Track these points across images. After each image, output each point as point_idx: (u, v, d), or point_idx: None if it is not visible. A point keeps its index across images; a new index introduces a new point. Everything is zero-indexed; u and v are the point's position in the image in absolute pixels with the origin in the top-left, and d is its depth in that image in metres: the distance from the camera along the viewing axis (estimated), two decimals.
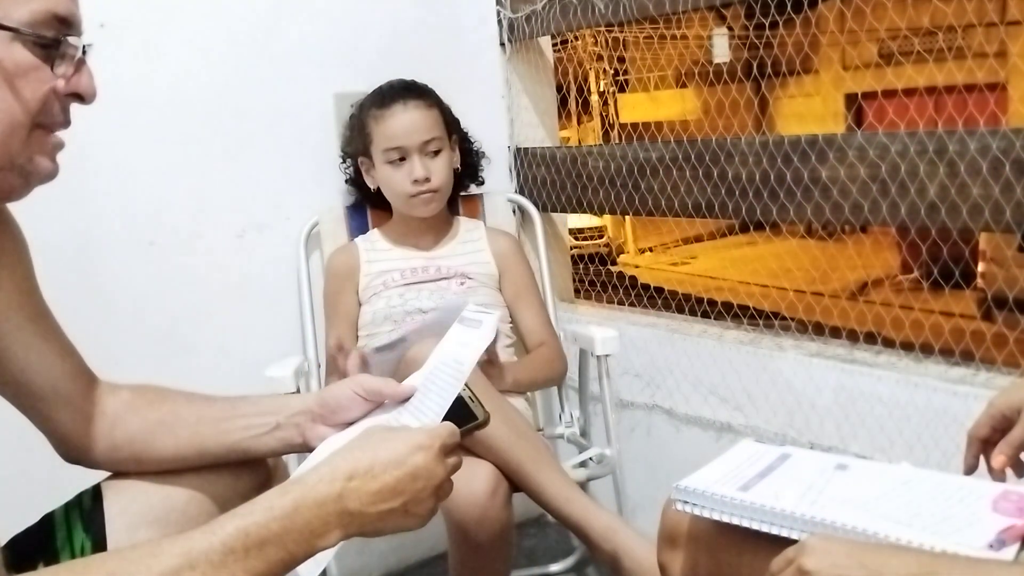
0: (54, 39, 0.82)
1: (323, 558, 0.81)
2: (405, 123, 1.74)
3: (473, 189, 2.01)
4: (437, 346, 1.03)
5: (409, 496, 0.81)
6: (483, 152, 1.97)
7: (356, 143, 1.83)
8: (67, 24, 0.83)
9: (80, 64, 0.85)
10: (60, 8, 0.82)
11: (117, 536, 0.97)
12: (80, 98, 0.86)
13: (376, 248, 1.85)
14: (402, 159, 1.74)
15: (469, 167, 1.93)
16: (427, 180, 1.74)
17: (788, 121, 9.69)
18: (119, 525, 0.98)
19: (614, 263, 9.73)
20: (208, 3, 1.84)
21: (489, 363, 1.59)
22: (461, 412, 0.92)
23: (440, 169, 1.76)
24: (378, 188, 1.82)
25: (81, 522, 0.99)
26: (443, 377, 0.96)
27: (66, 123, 0.87)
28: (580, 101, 5.24)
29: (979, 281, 6.35)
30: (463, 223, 1.92)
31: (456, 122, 1.87)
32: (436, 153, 1.76)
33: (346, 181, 1.95)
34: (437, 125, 1.77)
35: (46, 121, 0.84)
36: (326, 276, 1.88)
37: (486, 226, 1.95)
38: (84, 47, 0.86)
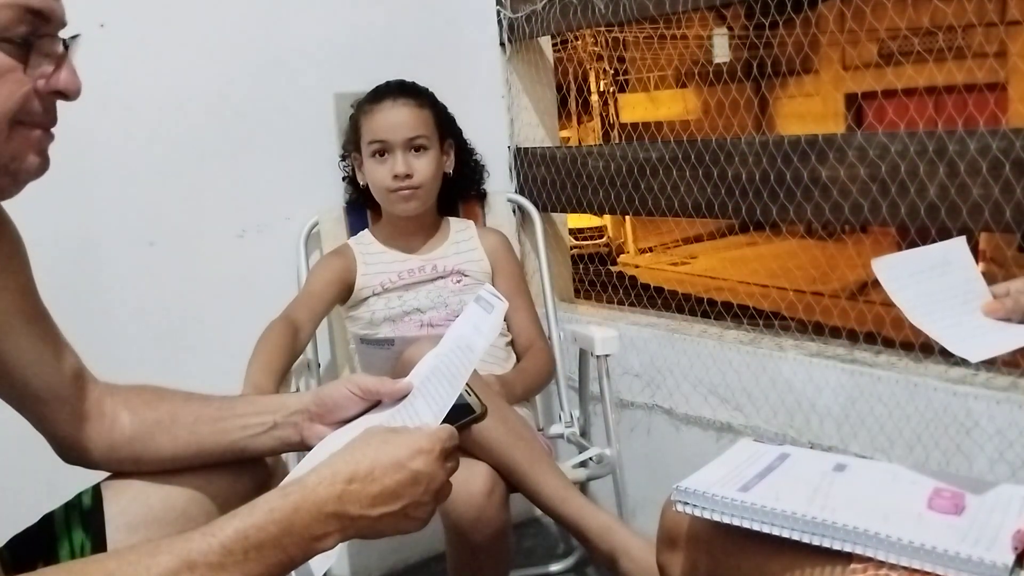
0: (24, 40, 0.79)
1: (332, 554, 0.81)
2: (391, 118, 1.74)
3: None
4: (452, 326, 1.03)
5: (409, 500, 0.81)
6: (484, 165, 1.98)
7: (350, 139, 1.85)
8: (43, 18, 0.81)
9: (61, 60, 0.83)
10: (33, 1, 0.79)
11: (117, 536, 0.97)
12: (63, 95, 0.84)
13: (370, 251, 1.84)
14: (386, 153, 1.75)
15: (465, 177, 1.93)
16: (408, 176, 1.74)
17: (788, 121, 9.69)
18: (119, 525, 0.98)
19: (614, 263, 9.73)
20: (208, 3, 1.84)
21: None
22: (458, 405, 0.92)
23: (423, 168, 1.75)
24: (367, 185, 1.82)
25: (81, 522, 0.99)
26: (455, 362, 0.96)
27: (51, 121, 0.85)
28: (580, 101, 5.23)
29: None
30: (453, 223, 1.91)
31: (452, 128, 1.87)
32: (421, 151, 1.75)
33: (343, 178, 1.96)
34: (425, 125, 1.76)
35: (27, 120, 0.82)
36: (318, 265, 1.85)
37: (477, 225, 1.95)
38: (66, 41, 0.83)
